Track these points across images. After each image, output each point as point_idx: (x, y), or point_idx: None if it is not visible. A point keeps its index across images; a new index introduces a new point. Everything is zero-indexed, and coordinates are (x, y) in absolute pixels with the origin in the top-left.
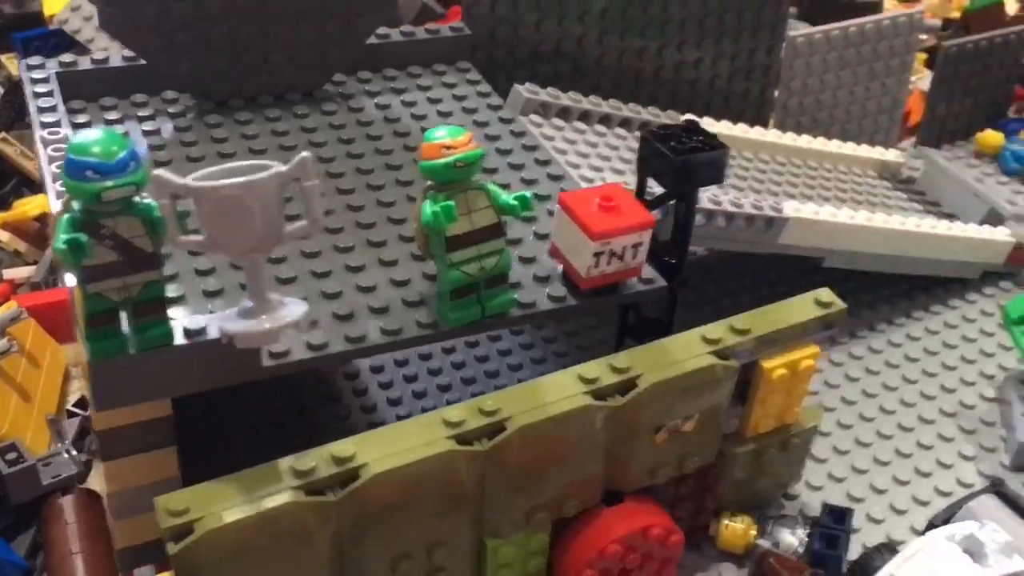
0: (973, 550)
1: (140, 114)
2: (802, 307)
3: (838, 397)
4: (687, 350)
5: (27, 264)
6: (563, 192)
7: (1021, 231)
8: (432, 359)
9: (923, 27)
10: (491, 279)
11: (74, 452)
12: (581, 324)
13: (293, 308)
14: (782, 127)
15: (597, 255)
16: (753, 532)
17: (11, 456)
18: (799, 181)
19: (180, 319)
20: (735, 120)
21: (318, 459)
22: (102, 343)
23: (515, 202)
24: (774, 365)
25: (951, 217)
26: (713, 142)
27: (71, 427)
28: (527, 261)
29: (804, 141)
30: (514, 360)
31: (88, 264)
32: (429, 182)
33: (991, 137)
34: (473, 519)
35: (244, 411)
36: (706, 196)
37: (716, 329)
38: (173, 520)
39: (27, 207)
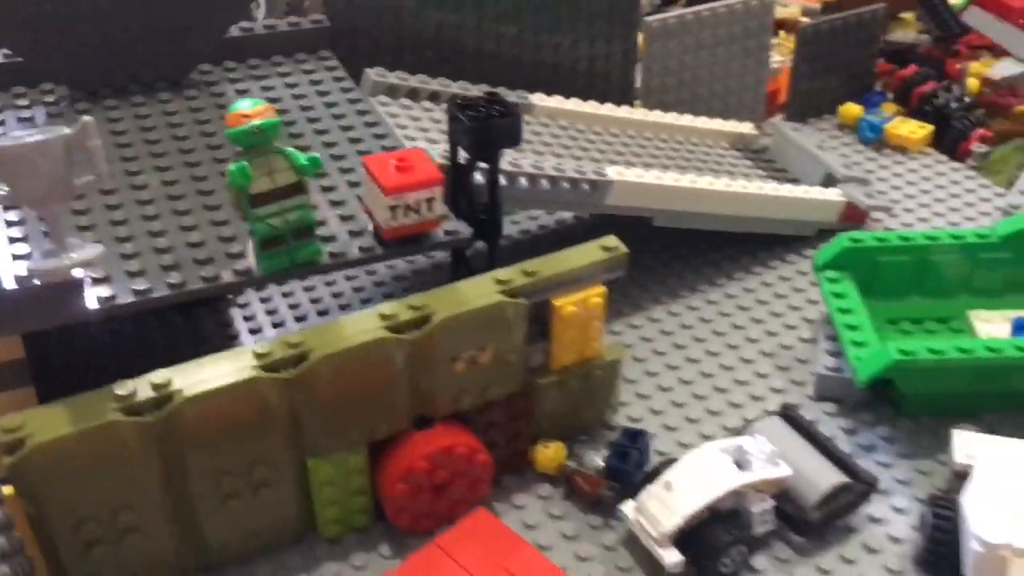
0: (740, 459)
1: (18, 103)
2: (588, 252)
3: (670, 343)
4: (480, 290)
5: None
6: (366, 155)
7: (852, 192)
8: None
9: (771, 11)
10: (297, 232)
11: None
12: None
13: (90, 249)
14: (647, 107)
15: (393, 208)
16: (564, 454)
17: None
18: (643, 151)
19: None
20: (601, 101)
21: (137, 385)
22: None
23: (307, 162)
24: (564, 303)
25: (795, 182)
26: (509, 110)
27: None
28: (346, 219)
29: (655, 116)
30: None
31: None
32: (238, 148)
33: (851, 109)
34: (290, 441)
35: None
36: (529, 163)
37: (507, 272)
38: (7, 436)
39: None
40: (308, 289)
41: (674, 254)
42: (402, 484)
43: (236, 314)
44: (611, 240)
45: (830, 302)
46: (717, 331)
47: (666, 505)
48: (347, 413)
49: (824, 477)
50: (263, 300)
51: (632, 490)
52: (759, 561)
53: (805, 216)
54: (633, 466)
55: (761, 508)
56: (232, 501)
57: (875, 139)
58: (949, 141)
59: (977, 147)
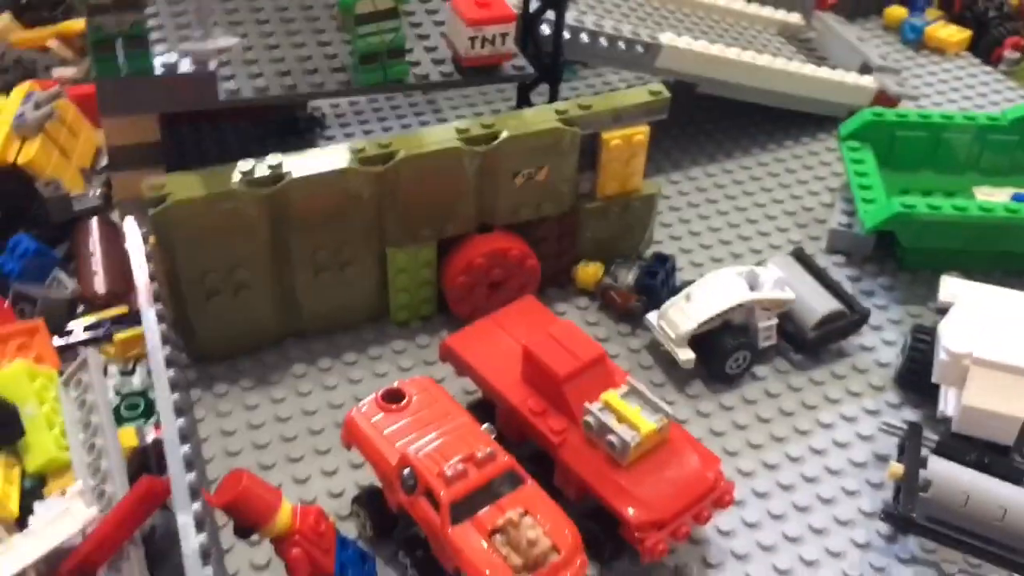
0: (752, 281)
1: None
2: (636, 94)
3: (703, 197)
4: (541, 117)
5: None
6: None
7: (884, 80)
8: None
9: None
10: (391, 51)
11: (99, 191)
12: None
13: (229, 39)
14: None
15: (472, 39)
16: (601, 272)
17: (52, 188)
18: (695, 27)
19: (160, 55)
20: None
21: (257, 164)
22: (103, 64)
23: None
24: (611, 136)
25: (832, 67)
26: None
27: (99, 180)
28: (430, 49)
29: None
30: None
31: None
32: None
33: (895, 11)
34: (374, 229)
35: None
36: (591, 21)
37: (565, 104)
38: (152, 192)
39: (73, 24)
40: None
41: (716, 125)
42: (463, 276)
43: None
44: (656, 86)
45: (849, 167)
46: (746, 191)
47: (685, 313)
48: (422, 211)
49: (823, 303)
50: (347, 137)
51: (658, 305)
52: (761, 370)
53: (838, 98)
54: (660, 284)
55: (766, 324)
56: (323, 274)
57: (916, 40)
58: (985, 46)
59: (1009, 54)
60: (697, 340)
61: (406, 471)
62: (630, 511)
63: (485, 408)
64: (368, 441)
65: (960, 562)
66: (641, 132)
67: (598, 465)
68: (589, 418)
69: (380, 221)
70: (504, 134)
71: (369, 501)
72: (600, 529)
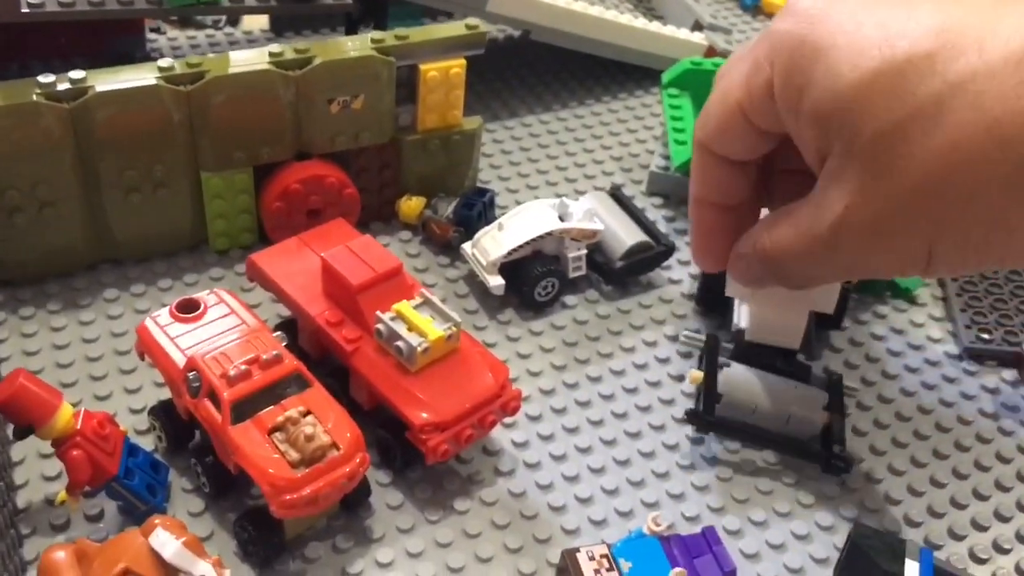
0: (562, 213)
1: None
2: (453, 27)
3: (535, 142)
4: (357, 44)
5: None
6: None
7: (713, 37)
8: None
9: None
10: None
11: None
12: None
13: None
14: None
15: None
16: (423, 206)
17: None
18: None
19: None
20: None
21: (60, 78)
22: None
23: None
24: (428, 68)
25: (665, 24)
26: None
27: None
28: None
29: None
30: None
31: None
32: None
33: None
34: (187, 152)
35: None
36: None
37: (382, 34)
38: None
39: None
40: None
41: (555, 75)
42: (279, 202)
43: None
44: (473, 21)
45: (667, 112)
46: (577, 137)
47: (496, 241)
48: (236, 134)
49: (630, 235)
50: None
51: (473, 235)
52: (571, 299)
53: (668, 52)
54: (477, 215)
55: (575, 254)
56: (133, 196)
57: (753, 5)
58: None
59: None
60: (508, 268)
61: (191, 373)
62: (413, 413)
63: (290, 326)
64: (158, 348)
65: (760, 461)
66: (458, 65)
67: (388, 372)
68: (380, 326)
69: (192, 143)
70: (317, 60)
71: (163, 412)
72: (391, 436)
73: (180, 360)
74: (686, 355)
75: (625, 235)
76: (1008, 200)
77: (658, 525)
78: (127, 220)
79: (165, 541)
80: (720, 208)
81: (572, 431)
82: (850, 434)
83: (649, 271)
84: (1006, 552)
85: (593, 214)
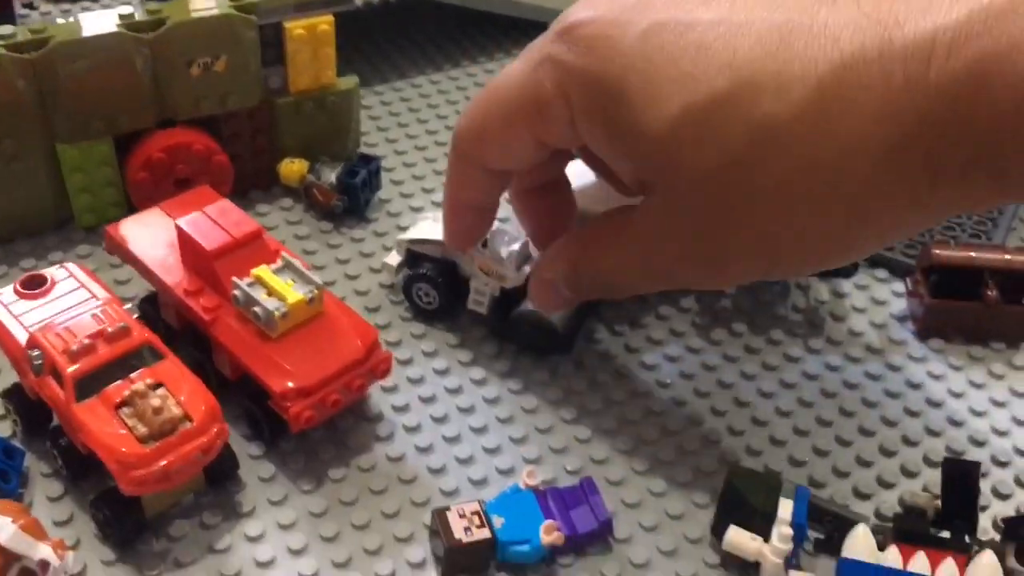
0: None
1: None
2: None
3: (425, 103)
4: (216, 3)
5: None
6: None
7: None
8: None
9: None
10: None
11: None
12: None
13: None
14: None
15: None
16: (305, 170)
17: None
18: None
19: None
20: None
21: None
22: None
23: None
24: (294, 26)
25: None
26: None
27: None
28: None
29: None
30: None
31: None
32: None
33: None
34: (39, 123)
35: None
36: None
37: None
38: None
39: None
40: None
41: (442, 31)
42: (144, 172)
43: None
44: None
45: None
46: (468, 96)
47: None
48: (91, 103)
49: None
50: None
51: (358, 204)
52: None
53: (562, 5)
54: (361, 183)
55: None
56: None
57: None
58: None
59: None
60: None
61: (33, 351)
62: (274, 380)
63: (154, 299)
64: (1, 327)
65: (643, 409)
66: (326, 22)
67: (249, 339)
68: (237, 292)
69: (44, 114)
70: (171, 20)
71: (15, 394)
72: (256, 406)
73: (23, 338)
74: None
75: None
76: (838, 228)
77: (532, 479)
78: None
79: (1, 526)
80: (479, 208)
81: (453, 392)
82: (736, 376)
83: None
84: (890, 487)
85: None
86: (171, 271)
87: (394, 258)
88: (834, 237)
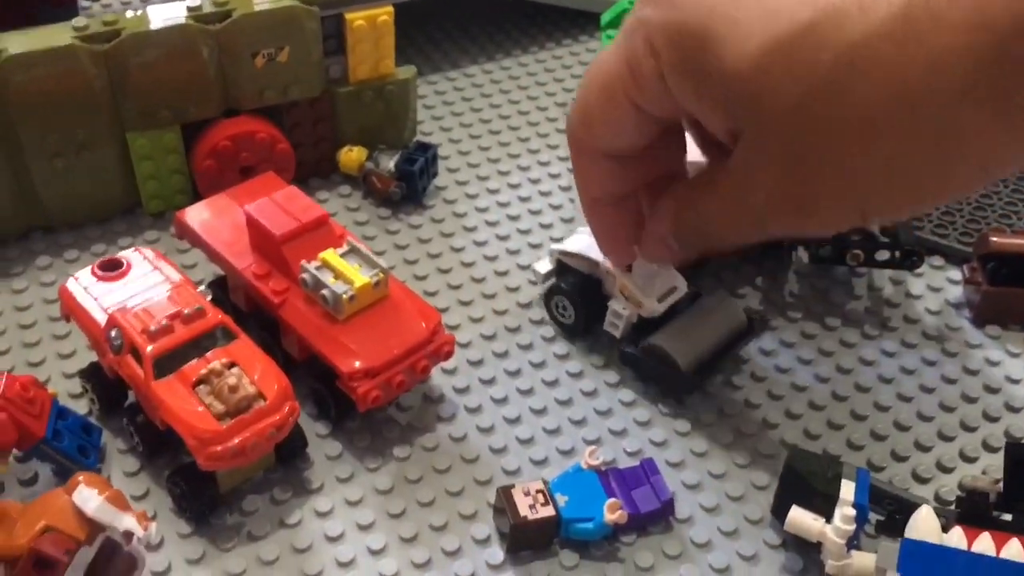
0: None
1: None
2: None
3: (478, 92)
4: None
5: None
6: None
7: None
8: None
9: None
10: None
11: None
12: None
13: None
14: None
15: None
16: (364, 157)
17: None
18: None
19: None
20: None
21: None
22: None
23: None
24: (355, 17)
25: None
26: None
27: None
28: None
29: None
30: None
31: None
32: None
33: None
34: (109, 113)
35: None
36: None
37: None
38: None
39: None
40: None
41: (492, 21)
42: (210, 160)
43: None
44: None
45: None
46: (520, 85)
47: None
48: (160, 93)
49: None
50: None
51: (416, 191)
52: None
53: None
54: (419, 171)
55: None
56: (58, 160)
57: None
58: None
59: None
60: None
61: (113, 331)
62: (342, 361)
63: (222, 283)
64: (80, 308)
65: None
66: (386, 13)
67: (316, 321)
68: (305, 275)
69: (114, 104)
70: (237, 12)
71: (92, 373)
72: (324, 386)
73: (102, 319)
74: None
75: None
76: (929, 157)
77: (595, 459)
78: (54, 186)
79: (88, 497)
80: (616, 203)
81: (513, 374)
82: (793, 362)
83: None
84: (949, 471)
85: None
86: (240, 255)
87: (544, 265)
88: (925, 169)
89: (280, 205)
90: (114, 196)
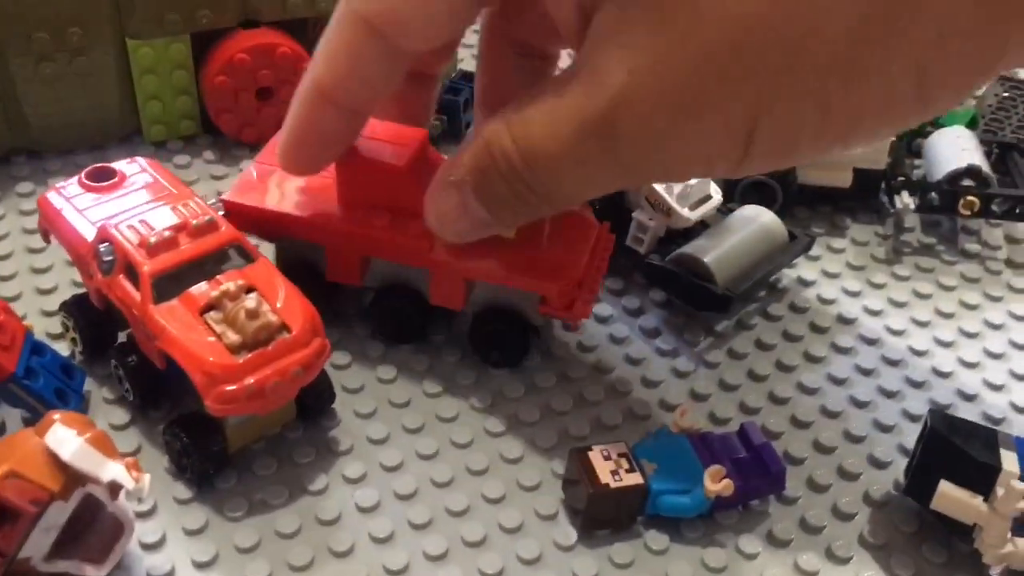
0: None
1: None
2: None
3: None
4: None
5: None
6: None
7: None
8: None
9: None
10: None
11: None
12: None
13: None
14: None
15: None
16: None
17: None
18: None
19: None
20: None
21: None
22: None
23: None
24: None
25: None
26: None
27: None
28: None
29: None
30: None
31: None
32: None
33: None
34: (109, 11)
35: None
36: None
37: None
38: None
39: None
40: None
41: None
42: (223, 76)
43: None
44: None
45: None
46: None
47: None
48: None
49: None
50: None
51: (458, 125)
52: None
53: None
54: (463, 102)
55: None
56: (46, 65)
57: None
58: None
59: None
60: None
61: (103, 245)
62: (545, 284)
63: (299, 267)
64: (63, 221)
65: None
66: None
67: (483, 252)
68: None
69: (115, 2)
70: None
71: (75, 306)
72: (505, 326)
73: (90, 233)
74: None
75: None
76: (857, 51)
77: (685, 419)
78: (41, 97)
79: (64, 438)
80: (350, 109)
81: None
82: (908, 323)
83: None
84: None
85: None
86: (336, 217)
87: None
88: (847, 60)
89: (376, 138)
90: (110, 118)
